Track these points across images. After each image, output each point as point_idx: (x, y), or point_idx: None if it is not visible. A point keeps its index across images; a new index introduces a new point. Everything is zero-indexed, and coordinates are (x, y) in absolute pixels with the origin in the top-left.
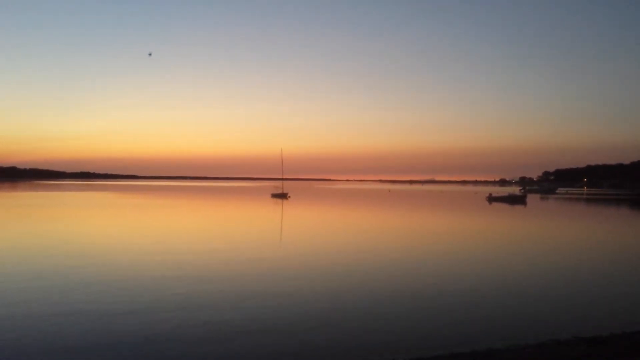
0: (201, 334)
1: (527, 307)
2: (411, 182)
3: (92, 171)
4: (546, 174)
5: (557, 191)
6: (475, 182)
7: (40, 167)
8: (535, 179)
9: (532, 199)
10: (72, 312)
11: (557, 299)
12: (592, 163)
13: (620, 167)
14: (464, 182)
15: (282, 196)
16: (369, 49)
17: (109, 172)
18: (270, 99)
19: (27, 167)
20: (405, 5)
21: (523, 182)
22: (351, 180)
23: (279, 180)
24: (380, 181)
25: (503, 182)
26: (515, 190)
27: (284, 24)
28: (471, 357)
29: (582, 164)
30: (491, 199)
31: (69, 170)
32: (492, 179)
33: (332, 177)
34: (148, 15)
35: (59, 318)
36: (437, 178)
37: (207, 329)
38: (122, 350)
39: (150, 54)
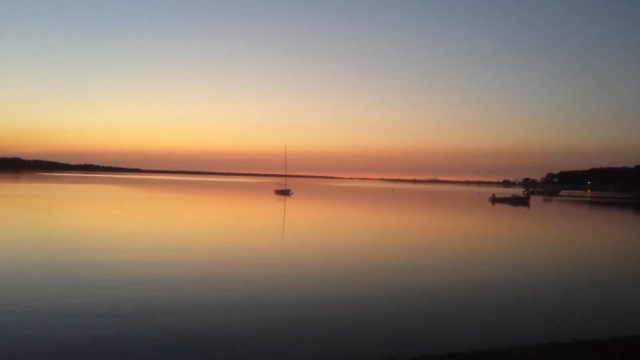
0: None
1: (527, 309)
2: (414, 181)
3: (96, 164)
4: (550, 176)
5: (560, 193)
6: (479, 183)
7: (44, 158)
8: (539, 181)
9: (535, 200)
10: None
11: (557, 301)
12: (597, 166)
13: (625, 170)
14: (467, 183)
15: (285, 193)
16: (374, 47)
17: (113, 165)
18: (275, 95)
19: (31, 158)
20: (411, 4)
21: (526, 183)
22: (354, 179)
23: (283, 177)
24: (384, 180)
25: (506, 184)
26: (519, 191)
27: (290, 21)
28: (471, 357)
29: (586, 167)
30: (494, 199)
31: (72, 162)
32: (496, 180)
33: (335, 175)
34: (154, 9)
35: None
36: (440, 178)
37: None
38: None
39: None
